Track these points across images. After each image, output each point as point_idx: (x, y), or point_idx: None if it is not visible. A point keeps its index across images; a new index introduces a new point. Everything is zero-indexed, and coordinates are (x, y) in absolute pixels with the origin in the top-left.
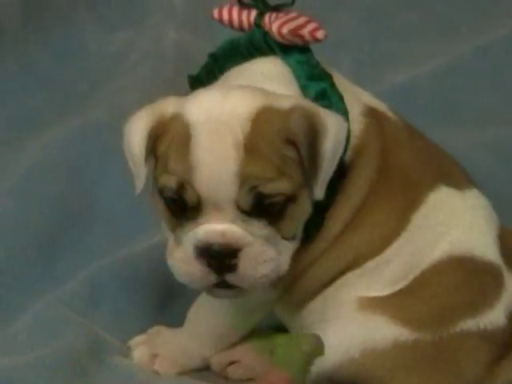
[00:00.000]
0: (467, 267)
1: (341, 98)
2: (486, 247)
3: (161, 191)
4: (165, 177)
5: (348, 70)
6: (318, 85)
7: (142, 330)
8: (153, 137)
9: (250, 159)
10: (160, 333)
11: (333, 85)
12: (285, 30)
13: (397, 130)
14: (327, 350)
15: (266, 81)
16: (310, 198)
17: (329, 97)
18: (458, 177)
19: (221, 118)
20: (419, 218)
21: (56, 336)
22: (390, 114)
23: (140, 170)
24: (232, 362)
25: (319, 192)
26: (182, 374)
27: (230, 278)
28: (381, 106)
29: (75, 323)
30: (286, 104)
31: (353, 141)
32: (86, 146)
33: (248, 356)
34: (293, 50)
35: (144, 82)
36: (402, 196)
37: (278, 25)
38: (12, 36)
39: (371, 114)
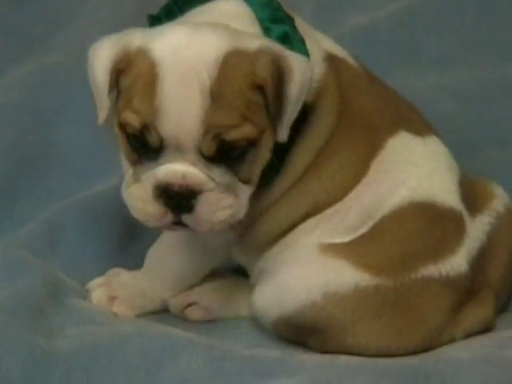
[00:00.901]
0: (428, 213)
1: (302, 41)
2: (447, 193)
3: (122, 126)
4: (128, 114)
5: (309, 13)
6: (280, 28)
7: (101, 273)
8: (116, 69)
9: (215, 107)
10: (118, 275)
11: (294, 28)
12: None
13: (356, 77)
14: (288, 293)
15: (230, 20)
16: (270, 142)
17: (291, 40)
18: (418, 124)
19: (188, 60)
20: (379, 164)
21: (14, 278)
22: (349, 60)
23: (103, 100)
24: (190, 304)
25: (283, 134)
26: (141, 316)
27: (187, 219)
28: (341, 52)
29: (34, 265)
30: (252, 45)
31: (313, 85)
32: (45, 89)
33: (206, 297)
34: None
35: (103, 24)
36: (362, 142)
37: None
38: None
39: (331, 59)
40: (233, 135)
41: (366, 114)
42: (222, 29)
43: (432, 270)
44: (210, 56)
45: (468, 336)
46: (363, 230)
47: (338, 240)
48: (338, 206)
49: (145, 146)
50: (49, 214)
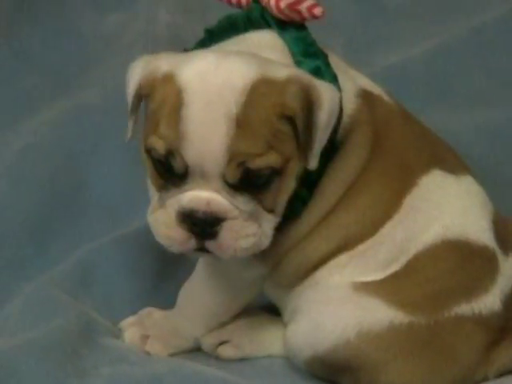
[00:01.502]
0: (462, 251)
1: (335, 76)
2: (480, 232)
3: (148, 151)
4: (154, 139)
5: (341, 51)
6: (313, 62)
7: (134, 313)
8: (142, 93)
9: (241, 134)
10: (151, 314)
11: (327, 64)
12: (283, 5)
13: (391, 114)
14: (321, 332)
15: (262, 51)
16: (296, 172)
17: (322, 74)
18: (452, 162)
19: (214, 87)
20: (412, 201)
21: (47, 318)
22: (385, 97)
23: (129, 120)
24: (222, 342)
25: (314, 162)
26: (174, 355)
27: (210, 245)
28: (376, 89)
29: (67, 305)
30: (281, 74)
31: (345, 119)
32: (79, 128)
33: (237, 335)
34: (290, 26)
35: None
36: (395, 178)
37: (275, 0)
38: (3, 19)
39: (365, 95)
40: (257, 163)
41: (399, 150)
42: (251, 56)
43: (465, 308)
44: (238, 83)
45: (500, 374)
46: (395, 266)
47: (370, 277)
48: (369, 242)
49: (170, 171)
50: (82, 253)
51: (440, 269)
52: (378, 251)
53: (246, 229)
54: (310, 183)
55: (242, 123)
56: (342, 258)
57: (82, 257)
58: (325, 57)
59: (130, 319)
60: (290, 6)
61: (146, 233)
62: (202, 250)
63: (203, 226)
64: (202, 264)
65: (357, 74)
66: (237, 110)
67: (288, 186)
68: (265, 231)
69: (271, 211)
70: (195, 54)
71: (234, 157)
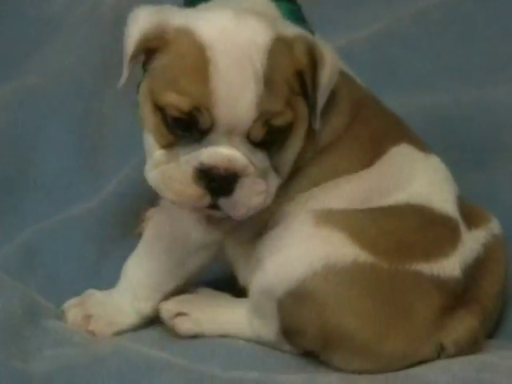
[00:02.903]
0: (424, 216)
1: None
2: (444, 202)
3: (163, 108)
4: (173, 96)
5: None
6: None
7: (77, 294)
8: (147, 45)
9: (268, 93)
10: (93, 294)
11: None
12: None
13: (364, 93)
14: (291, 266)
15: (261, 10)
16: (303, 132)
17: None
18: (419, 142)
19: (240, 45)
20: (380, 166)
21: None
22: (357, 80)
23: (124, 69)
24: (180, 314)
25: (317, 122)
26: (119, 333)
27: (224, 202)
28: (350, 71)
29: (10, 287)
30: (290, 32)
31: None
32: (22, 111)
33: (198, 309)
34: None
35: (80, 46)
36: (368, 146)
37: None
38: None
39: (344, 73)
40: (279, 121)
41: (374, 123)
42: (263, 16)
43: (425, 267)
44: (261, 42)
45: (458, 348)
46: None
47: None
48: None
49: (189, 128)
50: (25, 236)
51: (402, 224)
52: (345, 186)
53: (257, 185)
54: None
55: (267, 82)
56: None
57: (25, 239)
58: (311, 33)
59: (73, 300)
60: None
61: (89, 217)
62: (215, 207)
63: (221, 182)
64: (149, 229)
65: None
66: (263, 68)
67: (296, 145)
68: (270, 190)
69: (277, 171)
70: (211, 10)
71: (262, 115)
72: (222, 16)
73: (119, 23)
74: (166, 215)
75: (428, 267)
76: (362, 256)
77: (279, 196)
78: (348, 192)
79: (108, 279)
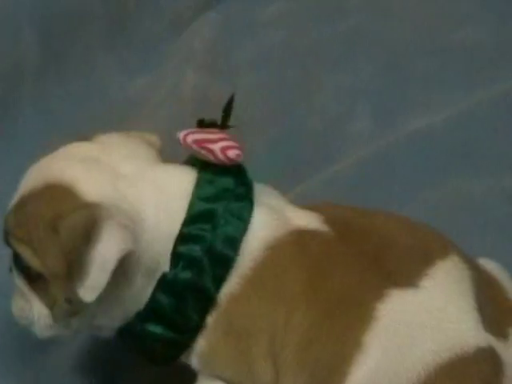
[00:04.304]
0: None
1: (237, 225)
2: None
3: None
4: None
5: (367, 117)
6: (207, 205)
7: None
8: None
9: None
10: None
11: (237, 210)
12: (189, 139)
13: (328, 246)
14: None
15: (164, 185)
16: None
17: (215, 219)
18: (411, 266)
19: None
20: (375, 339)
21: None
22: (322, 228)
23: None
24: None
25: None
26: None
27: None
28: (312, 223)
29: None
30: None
31: (244, 271)
32: None
33: None
34: (213, 168)
35: (163, 125)
36: (342, 319)
37: (183, 134)
38: (30, 79)
39: (295, 237)
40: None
41: (343, 286)
42: None
43: None
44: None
45: None
46: None
47: None
48: None
49: None
50: None
51: None
52: None
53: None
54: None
55: None
56: None
57: None
58: (237, 201)
59: None
60: (198, 143)
61: None
62: None
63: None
64: None
65: (295, 211)
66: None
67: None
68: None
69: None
70: None
71: None
72: None
73: (201, 101)
74: None
75: None
76: None
77: None
78: None
79: None
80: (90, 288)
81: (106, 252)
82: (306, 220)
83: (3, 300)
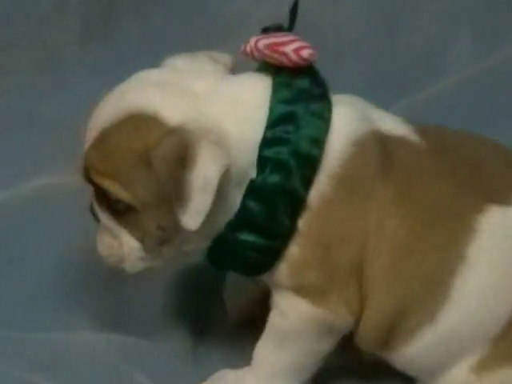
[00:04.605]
0: None
1: (319, 125)
2: None
3: None
4: None
5: (468, 39)
6: (287, 107)
7: None
8: None
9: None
10: (224, 378)
11: (316, 110)
12: (261, 45)
13: (418, 154)
14: None
15: (243, 92)
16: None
17: (297, 121)
18: (507, 186)
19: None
20: (479, 252)
21: None
22: (412, 137)
23: None
24: None
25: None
26: None
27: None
28: (400, 130)
29: None
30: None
31: (332, 170)
32: None
33: None
34: (285, 71)
35: None
36: (441, 230)
37: (255, 40)
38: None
39: (380, 141)
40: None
41: (439, 197)
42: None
43: None
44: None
45: None
46: None
47: None
48: None
49: None
50: None
51: None
52: None
53: (105, 237)
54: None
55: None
56: None
57: None
58: (314, 102)
59: None
60: (270, 47)
61: None
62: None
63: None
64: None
65: (381, 115)
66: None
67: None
68: (124, 252)
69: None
70: None
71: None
72: None
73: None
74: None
75: None
76: None
77: None
78: None
79: None
80: (195, 213)
81: (205, 173)
82: (394, 125)
83: None
